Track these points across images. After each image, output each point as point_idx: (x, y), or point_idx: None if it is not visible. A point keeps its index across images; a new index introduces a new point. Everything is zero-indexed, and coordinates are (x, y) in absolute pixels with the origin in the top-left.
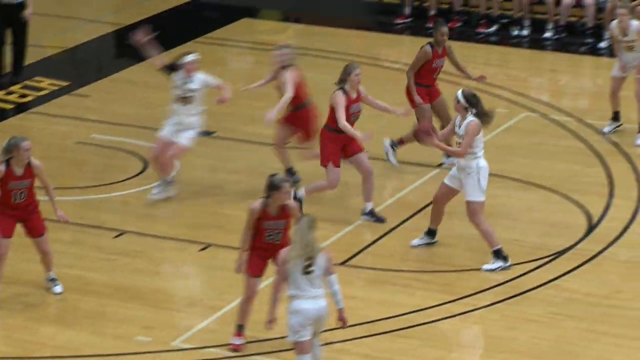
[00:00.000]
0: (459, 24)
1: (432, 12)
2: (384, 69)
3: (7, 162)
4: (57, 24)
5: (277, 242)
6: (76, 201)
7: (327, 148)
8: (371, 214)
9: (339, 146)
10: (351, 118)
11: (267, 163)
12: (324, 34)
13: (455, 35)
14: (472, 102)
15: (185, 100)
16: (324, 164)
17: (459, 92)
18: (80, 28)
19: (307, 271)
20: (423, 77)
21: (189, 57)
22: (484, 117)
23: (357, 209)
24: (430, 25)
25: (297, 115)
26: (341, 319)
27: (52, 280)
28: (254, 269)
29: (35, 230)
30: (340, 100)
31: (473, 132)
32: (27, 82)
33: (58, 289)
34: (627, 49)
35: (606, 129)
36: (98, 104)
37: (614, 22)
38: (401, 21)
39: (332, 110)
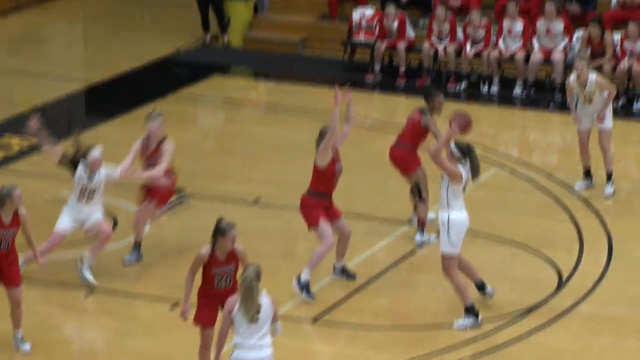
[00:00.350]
0: (428, 81)
1: (402, 69)
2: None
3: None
4: (27, 81)
5: (228, 287)
6: (46, 259)
7: (312, 211)
8: (343, 271)
9: (322, 208)
10: (334, 179)
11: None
12: (294, 92)
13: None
14: (465, 153)
15: (88, 196)
16: (313, 224)
17: (452, 144)
18: (50, 85)
19: (253, 320)
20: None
21: (94, 154)
22: (474, 170)
23: (328, 267)
24: (401, 82)
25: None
26: None
27: (21, 339)
28: (206, 320)
29: (12, 280)
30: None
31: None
32: None
33: (26, 347)
34: (586, 101)
35: (577, 186)
36: None
37: (572, 76)
38: (372, 78)
39: (315, 173)
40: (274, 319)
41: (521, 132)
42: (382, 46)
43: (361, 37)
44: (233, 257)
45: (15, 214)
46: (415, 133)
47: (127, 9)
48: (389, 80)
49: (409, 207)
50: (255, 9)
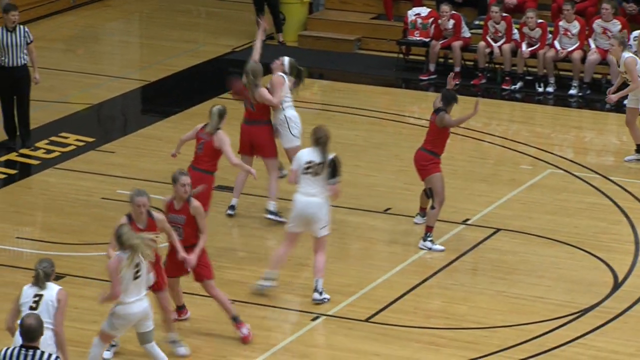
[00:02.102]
0: (483, 81)
1: (457, 69)
2: (409, 125)
3: (129, 217)
4: (84, 80)
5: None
6: (101, 257)
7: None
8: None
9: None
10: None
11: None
12: (348, 91)
13: (480, 92)
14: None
15: None
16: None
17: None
18: (106, 84)
19: (136, 276)
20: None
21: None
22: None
23: (381, 265)
24: (457, 82)
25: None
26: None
27: (173, 342)
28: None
29: (156, 284)
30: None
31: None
32: (53, 138)
33: (182, 350)
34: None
35: (627, 158)
36: (123, 160)
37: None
38: (426, 78)
39: (435, 134)
40: (148, 270)
41: (577, 133)
42: (437, 46)
43: (416, 37)
44: (186, 209)
45: (150, 218)
46: (433, 136)
47: (183, 7)
48: (444, 79)
49: (464, 207)
50: (311, 8)
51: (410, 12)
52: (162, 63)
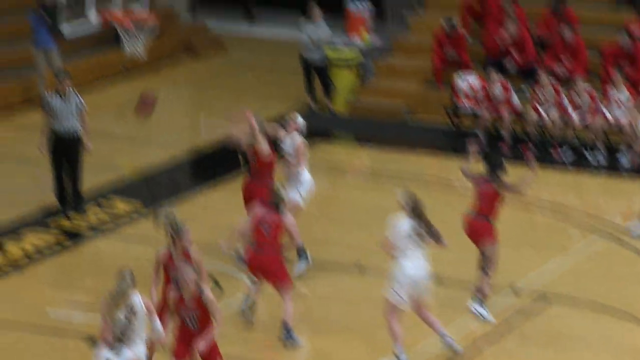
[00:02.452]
0: (532, 149)
1: (507, 136)
2: (458, 192)
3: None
4: (134, 146)
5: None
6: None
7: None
8: None
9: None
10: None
11: (340, 286)
12: (397, 158)
13: (529, 161)
14: None
15: None
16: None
17: None
18: (154, 150)
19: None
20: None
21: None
22: None
23: (428, 329)
24: (505, 149)
25: None
26: None
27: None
28: None
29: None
30: None
31: None
32: (102, 202)
33: None
34: None
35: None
36: None
37: None
38: (475, 145)
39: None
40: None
41: (627, 201)
42: (486, 113)
43: (465, 104)
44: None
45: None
46: (489, 202)
47: (233, 74)
48: (493, 147)
49: (512, 274)
50: (360, 76)
51: (459, 80)
52: (211, 128)
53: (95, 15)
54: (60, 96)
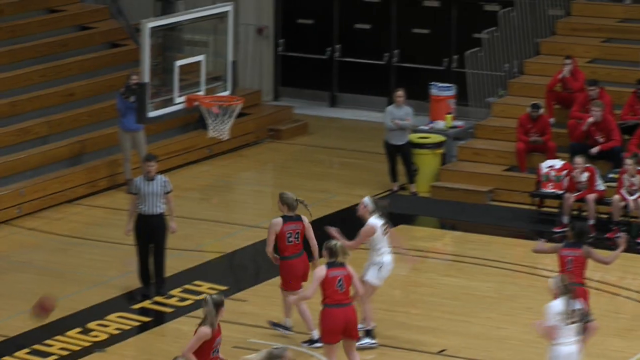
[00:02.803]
0: (618, 235)
1: (592, 222)
2: (542, 277)
3: None
4: (218, 229)
5: None
6: None
7: None
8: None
9: None
10: None
11: None
12: (480, 242)
13: (614, 246)
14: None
15: None
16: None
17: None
18: (239, 233)
19: None
20: None
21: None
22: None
23: None
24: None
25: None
26: None
27: None
28: None
29: None
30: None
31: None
32: (187, 286)
33: None
34: None
35: None
36: (254, 309)
37: None
38: (559, 230)
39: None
40: None
41: None
42: (571, 198)
43: (550, 189)
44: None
45: None
46: (580, 268)
47: (316, 158)
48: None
49: None
50: (444, 159)
51: (543, 165)
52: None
53: (181, 98)
54: (147, 179)
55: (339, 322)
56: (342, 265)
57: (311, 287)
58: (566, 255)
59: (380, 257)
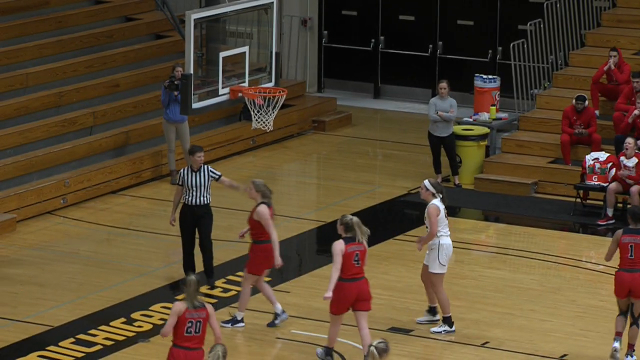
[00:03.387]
0: None
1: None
2: (586, 270)
3: None
4: None
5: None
6: None
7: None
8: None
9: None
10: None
11: None
12: (524, 234)
13: None
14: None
15: None
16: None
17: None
18: (283, 224)
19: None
20: None
21: None
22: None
23: None
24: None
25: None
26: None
27: None
28: None
29: None
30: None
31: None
32: (230, 277)
33: None
34: None
35: None
36: (298, 300)
37: None
38: (604, 223)
39: None
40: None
41: None
42: (615, 190)
43: (594, 181)
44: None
45: None
46: None
47: (361, 149)
48: (622, 225)
49: None
50: (487, 151)
51: (588, 157)
52: (338, 204)
53: (225, 89)
54: (193, 171)
55: (351, 296)
56: (358, 241)
57: (336, 261)
58: (627, 242)
59: (440, 238)
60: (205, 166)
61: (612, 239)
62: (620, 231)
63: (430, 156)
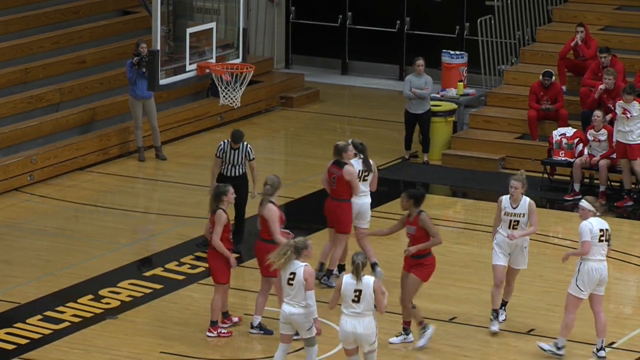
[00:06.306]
0: (629, 203)
1: (602, 189)
2: (553, 245)
3: None
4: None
5: None
6: None
7: None
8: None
9: None
10: None
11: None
12: (491, 210)
13: (626, 214)
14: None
15: None
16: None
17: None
18: (250, 201)
19: (289, 283)
20: None
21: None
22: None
23: None
24: (602, 201)
25: None
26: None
27: None
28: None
29: None
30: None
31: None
32: (198, 254)
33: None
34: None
35: None
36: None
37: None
38: (570, 198)
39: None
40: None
41: None
42: (581, 165)
43: (561, 157)
44: None
45: None
46: None
47: (328, 125)
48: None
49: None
50: (455, 127)
51: (555, 132)
52: (306, 180)
53: (192, 66)
54: (232, 149)
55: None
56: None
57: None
58: None
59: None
60: (246, 144)
61: None
62: None
63: (400, 133)
